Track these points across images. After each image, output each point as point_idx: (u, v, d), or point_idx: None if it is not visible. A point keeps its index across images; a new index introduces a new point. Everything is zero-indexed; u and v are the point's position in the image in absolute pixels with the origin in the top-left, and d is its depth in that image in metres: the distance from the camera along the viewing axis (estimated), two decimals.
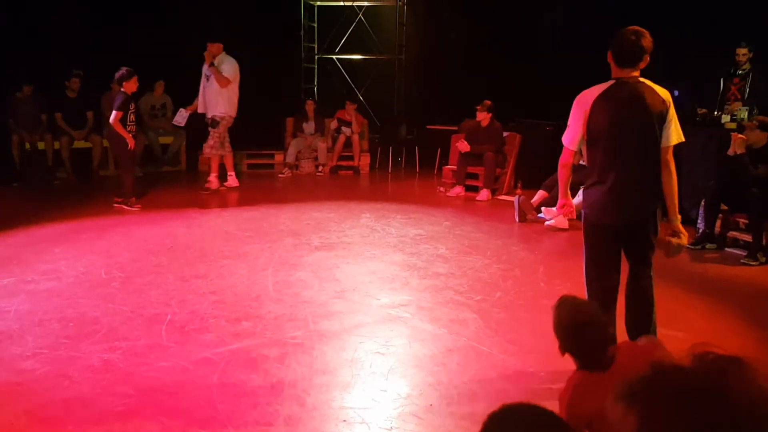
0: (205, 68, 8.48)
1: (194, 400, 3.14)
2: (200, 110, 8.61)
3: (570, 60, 9.65)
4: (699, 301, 4.66)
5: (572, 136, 3.34)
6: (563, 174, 3.52)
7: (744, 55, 7.10)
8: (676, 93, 8.49)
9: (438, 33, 11.46)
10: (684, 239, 3.45)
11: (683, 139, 3.30)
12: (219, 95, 8.37)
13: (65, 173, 9.27)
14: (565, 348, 2.24)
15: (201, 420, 2.98)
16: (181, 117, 8.81)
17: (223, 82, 8.29)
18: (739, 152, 5.81)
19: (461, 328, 4.07)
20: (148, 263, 5.35)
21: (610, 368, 2.14)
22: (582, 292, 4.80)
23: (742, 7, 8.06)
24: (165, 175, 9.86)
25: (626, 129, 3.18)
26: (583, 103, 3.25)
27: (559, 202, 3.73)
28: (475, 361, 3.60)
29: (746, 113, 6.83)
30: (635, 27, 3.18)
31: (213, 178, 8.63)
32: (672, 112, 3.21)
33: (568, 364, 3.54)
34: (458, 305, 4.47)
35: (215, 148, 8.51)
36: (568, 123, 3.33)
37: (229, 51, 8.69)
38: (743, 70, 7.16)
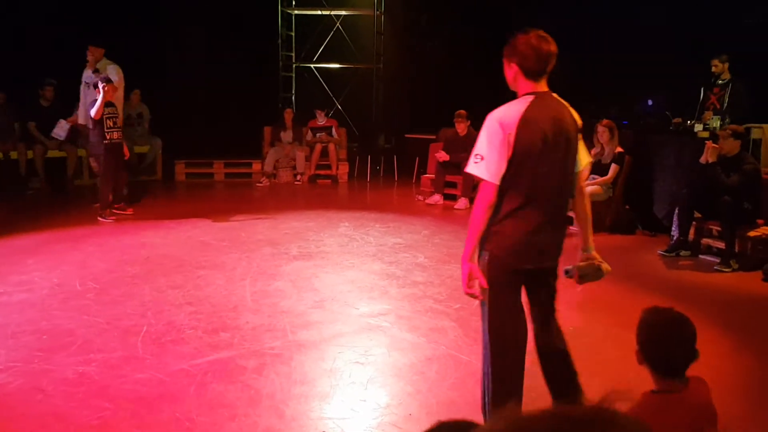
0: (86, 75, 7.79)
1: (171, 412, 3.10)
2: (81, 121, 7.99)
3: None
4: (674, 308, 4.72)
5: (497, 168, 2.57)
6: (484, 219, 2.63)
7: (716, 66, 7.24)
8: (650, 102, 8.69)
9: (416, 42, 11.54)
10: (606, 265, 3.01)
11: (590, 159, 2.98)
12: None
13: (39, 183, 9.14)
14: (647, 356, 2.03)
15: None
16: (61, 129, 8.33)
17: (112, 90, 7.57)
18: (711, 160, 5.92)
19: (440, 336, 4.08)
20: (123, 274, 5.29)
21: (684, 392, 1.98)
22: (560, 299, 4.86)
23: (721, 17, 8.23)
24: (141, 185, 9.76)
25: (556, 153, 2.63)
26: (505, 125, 2.57)
27: (465, 269, 2.80)
28: (454, 370, 3.61)
29: (718, 122, 6.96)
30: (539, 31, 2.72)
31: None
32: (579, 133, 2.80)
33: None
34: (437, 314, 4.49)
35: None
36: (483, 153, 2.59)
37: (209, 59, 8.61)
38: (723, 80, 7.29)
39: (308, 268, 5.54)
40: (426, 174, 9.58)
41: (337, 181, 10.52)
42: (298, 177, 10.39)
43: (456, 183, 8.89)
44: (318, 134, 10.66)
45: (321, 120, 10.66)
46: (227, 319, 4.31)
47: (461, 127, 8.84)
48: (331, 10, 11.64)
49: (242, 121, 10.78)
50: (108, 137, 7.28)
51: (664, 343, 1.94)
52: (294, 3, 11.90)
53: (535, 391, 3.03)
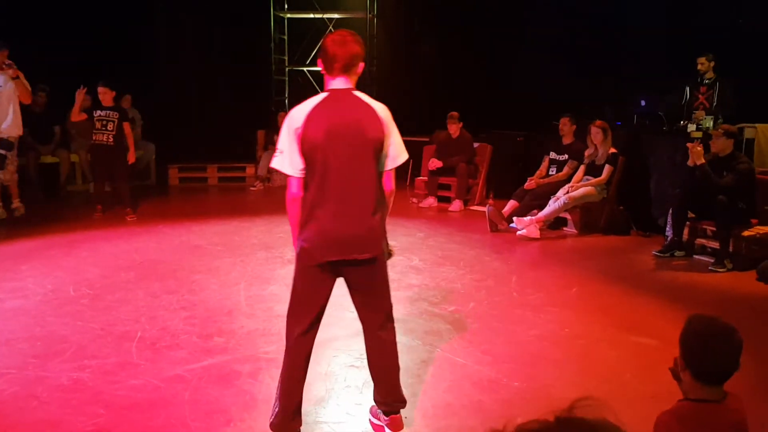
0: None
1: (166, 418, 3.09)
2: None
3: (540, 71, 9.82)
4: (669, 309, 4.74)
5: (292, 161, 2.67)
6: (291, 212, 2.76)
7: (703, 64, 7.27)
8: (643, 103, 8.71)
9: (408, 45, 11.56)
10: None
11: (406, 157, 2.83)
12: (14, 111, 7.16)
13: (32, 189, 9.09)
14: (693, 364, 1.95)
15: None
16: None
17: (28, 95, 7.29)
18: (698, 163, 5.93)
19: (435, 339, 4.07)
20: (117, 280, 5.27)
21: (722, 403, 1.94)
22: (556, 301, 4.88)
23: (706, 17, 8.28)
24: (134, 190, 9.71)
25: (345, 151, 2.63)
26: (294, 120, 2.65)
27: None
28: (450, 373, 3.60)
29: (711, 122, 6.99)
30: (343, 30, 2.80)
31: (19, 203, 7.77)
32: (392, 131, 2.72)
33: (544, 374, 3.58)
34: (432, 316, 4.48)
35: (15, 172, 7.57)
36: (282, 148, 2.69)
37: (201, 64, 8.59)
38: (708, 79, 7.33)
39: None
40: (420, 177, 9.59)
41: None
42: None
43: (450, 185, 8.90)
44: None
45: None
46: (222, 324, 4.30)
47: (453, 129, 8.85)
48: (323, 14, 11.64)
49: (236, 125, 10.77)
50: (93, 138, 7.59)
51: (714, 353, 1.93)
52: (286, 6, 11.90)
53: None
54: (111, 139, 7.56)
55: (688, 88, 7.51)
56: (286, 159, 2.69)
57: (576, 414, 1.00)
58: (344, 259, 2.71)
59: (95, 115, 7.56)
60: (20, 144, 9.07)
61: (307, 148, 2.63)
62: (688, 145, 6.10)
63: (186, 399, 3.27)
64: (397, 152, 2.77)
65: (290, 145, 2.67)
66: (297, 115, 2.67)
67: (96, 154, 7.74)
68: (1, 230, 6.96)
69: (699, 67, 7.30)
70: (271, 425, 2.85)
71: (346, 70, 2.71)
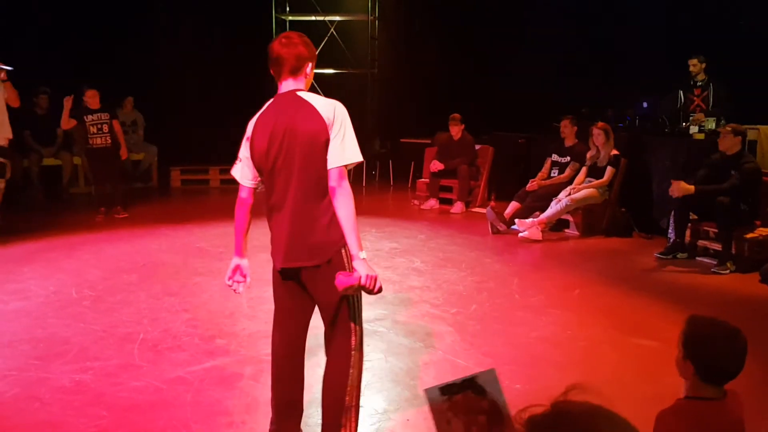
0: None
1: (168, 420, 3.09)
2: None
3: (542, 72, 9.82)
4: (671, 311, 4.73)
5: (242, 171, 2.71)
6: (237, 215, 2.79)
7: (695, 65, 7.26)
8: (645, 105, 8.71)
9: (410, 46, 11.57)
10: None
11: (360, 159, 2.60)
12: (3, 114, 6.79)
13: (34, 191, 9.12)
14: (700, 367, 1.94)
15: None
16: None
17: (16, 98, 6.91)
18: (690, 193, 5.91)
19: (437, 341, 4.07)
20: (119, 281, 5.28)
21: (723, 401, 1.95)
22: (557, 303, 4.87)
23: (696, 19, 8.28)
24: (136, 192, 9.74)
25: (289, 153, 2.55)
26: (247, 129, 2.67)
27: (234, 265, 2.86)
28: (452, 375, 3.59)
29: (714, 123, 6.98)
30: (291, 32, 2.74)
31: None
32: (339, 128, 2.55)
33: (545, 376, 3.58)
34: (434, 318, 4.48)
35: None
36: (239, 156, 2.72)
37: (202, 66, 8.59)
38: (701, 81, 7.33)
39: None
40: (421, 178, 9.59)
41: None
42: None
43: (452, 187, 8.90)
44: None
45: None
46: (224, 326, 4.31)
47: (455, 131, 8.85)
48: (325, 16, 11.66)
49: (237, 127, 10.74)
50: (90, 142, 7.66)
51: (722, 354, 1.94)
52: (288, 9, 11.92)
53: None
54: (109, 141, 7.71)
55: (681, 92, 7.50)
56: (239, 168, 2.73)
57: (571, 399, 1.03)
58: (292, 266, 2.61)
59: (87, 120, 7.63)
60: (23, 146, 9.14)
61: (255, 156, 2.63)
62: (672, 182, 6.06)
63: (188, 401, 3.27)
64: (341, 150, 2.54)
65: (244, 153, 2.69)
66: (249, 124, 2.68)
67: (95, 157, 7.81)
68: (3, 232, 6.96)
69: (691, 68, 7.31)
70: None
71: (293, 72, 2.64)
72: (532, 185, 7.60)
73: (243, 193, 2.75)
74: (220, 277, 5.34)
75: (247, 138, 2.65)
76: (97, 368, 3.63)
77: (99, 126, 7.65)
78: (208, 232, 7.15)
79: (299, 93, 2.63)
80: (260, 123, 2.63)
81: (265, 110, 2.66)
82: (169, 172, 10.50)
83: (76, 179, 9.63)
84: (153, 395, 3.33)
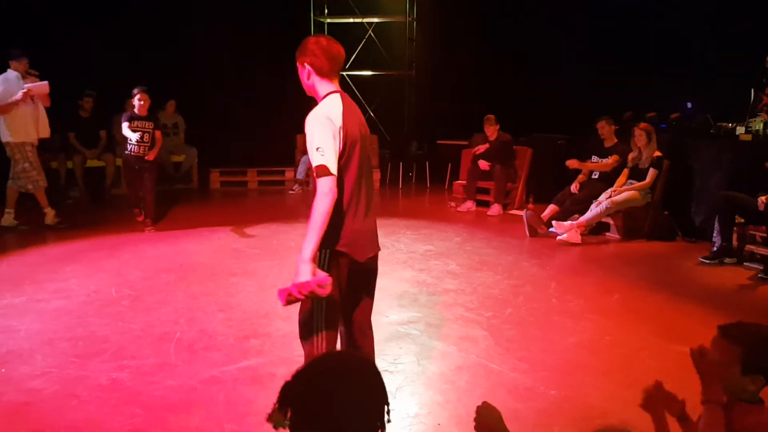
0: (19, 83, 7.07)
1: (201, 419, 3.11)
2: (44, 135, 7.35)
3: (579, 74, 9.65)
4: (714, 317, 4.56)
5: (334, 159, 2.50)
6: (328, 208, 2.49)
7: None
8: (689, 105, 8.48)
9: (448, 48, 11.50)
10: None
11: (313, 161, 2.55)
12: (32, 115, 7.17)
13: (78, 192, 9.36)
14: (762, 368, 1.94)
15: None
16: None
17: (47, 98, 7.23)
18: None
19: (471, 345, 4.02)
20: (158, 281, 5.36)
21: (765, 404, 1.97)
22: (596, 308, 4.76)
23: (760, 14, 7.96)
24: (177, 193, 9.91)
25: (365, 147, 2.67)
26: (333, 119, 2.54)
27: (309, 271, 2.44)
28: (485, 379, 3.55)
29: (761, 124, 6.73)
30: (327, 36, 2.81)
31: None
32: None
33: (582, 383, 3.49)
34: (468, 322, 4.43)
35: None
36: (319, 145, 2.49)
37: (241, 69, 8.63)
38: None
39: None
40: (458, 180, 9.52)
41: None
42: None
43: (489, 189, 8.81)
44: None
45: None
46: (258, 326, 4.33)
47: (490, 131, 8.77)
48: (363, 18, 11.69)
49: (275, 130, 10.88)
50: (128, 149, 7.24)
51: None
52: (326, 11, 11.98)
53: None
54: (147, 151, 7.26)
55: (753, 90, 7.22)
56: (333, 159, 2.52)
57: None
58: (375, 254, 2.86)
59: (131, 125, 7.14)
60: (67, 148, 9.39)
61: (349, 145, 2.58)
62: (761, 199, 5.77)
63: (221, 400, 3.29)
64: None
65: (334, 144, 2.52)
66: (334, 115, 2.56)
67: (131, 165, 7.35)
68: (48, 233, 7.15)
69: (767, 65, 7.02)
70: None
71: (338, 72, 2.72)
72: (575, 186, 7.45)
73: (332, 184, 2.50)
74: (256, 278, 5.42)
75: (341, 128, 2.54)
76: (133, 367, 3.68)
77: (141, 135, 7.18)
78: (245, 233, 7.23)
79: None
80: (348, 114, 2.60)
81: (344, 103, 2.63)
82: (209, 174, 10.66)
83: (119, 181, 9.83)
84: (187, 394, 3.36)
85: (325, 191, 2.47)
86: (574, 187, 7.45)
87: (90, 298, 4.90)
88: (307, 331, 2.67)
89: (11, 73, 7.11)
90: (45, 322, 4.38)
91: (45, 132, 7.35)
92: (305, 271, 2.42)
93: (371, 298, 2.93)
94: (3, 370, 3.60)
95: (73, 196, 9.30)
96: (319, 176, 2.48)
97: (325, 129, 2.51)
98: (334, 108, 2.59)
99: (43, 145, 9.16)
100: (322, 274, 2.45)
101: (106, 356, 3.83)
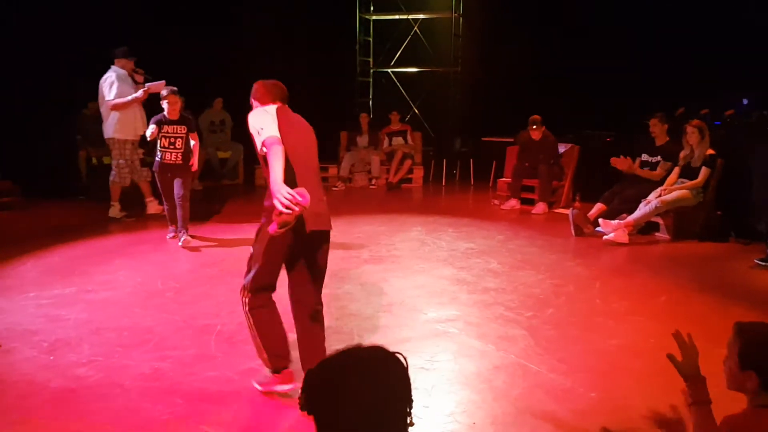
0: (128, 81, 7.55)
1: (237, 410, 3.16)
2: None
3: (629, 69, 9.42)
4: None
5: (275, 128, 3.11)
6: (280, 152, 2.99)
7: None
8: (746, 101, 8.17)
9: (494, 44, 11.37)
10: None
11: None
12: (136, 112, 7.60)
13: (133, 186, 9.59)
14: (759, 368, 1.96)
15: (242, 430, 2.99)
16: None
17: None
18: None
19: (509, 345, 3.96)
20: (201, 275, 5.46)
21: None
22: (641, 309, 4.63)
23: None
24: (223, 189, 10.09)
25: (305, 140, 3.49)
26: (268, 110, 3.27)
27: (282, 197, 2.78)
28: (523, 380, 3.49)
29: None
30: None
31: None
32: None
33: (623, 386, 3.40)
34: (507, 321, 4.37)
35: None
36: (261, 126, 3.11)
37: (287, 66, 8.72)
38: None
39: (378, 271, 5.53)
40: (503, 178, 9.41)
41: (392, 187, 10.48)
42: (373, 181, 10.45)
43: (533, 187, 8.68)
44: (393, 139, 10.69)
45: (395, 125, 10.72)
46: None
47: (536, 134, 8.64)
48: (408, 14, 11.66)
49: (319, 127, 10.93)
50: (159, 156, 6.55)
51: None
52: (372, 8, 11.99)
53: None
54: (179, 158, 6.50)
55: None
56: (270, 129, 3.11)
57: None
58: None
59: (161, 131, 6.42)
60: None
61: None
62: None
63: (257, 392, 3.33)
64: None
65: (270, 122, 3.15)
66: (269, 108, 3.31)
67: (163, 173, 6.55)
68: (99, 225, 7.36)
69: None
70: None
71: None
72: (622, 163, 7.24)
73: (278, 140, 3.07)
74: None
75: (274, 116, 3.21)
76: (175, 357, 3.76)
77: (172, 140, 6.46)
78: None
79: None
80: (282, 110, 3.32)
81: (279, 107, 3.35)
82: (254, 170, 10.80)
83: None
84: (225, 385, 3.42)
85: (273, 143, 3.00)
86: (617, 162, 7.23)
87: (136, 290, 5.03)
88: (249, 265, 3.36)
89: (120, 71, 7.41)
90: (93, 312, 4.52)
91: (144, 129, 7.44)
92: (280, 190, 2.79)
93: (320, 273, 3.33)
94: (52, 357, 3.73)
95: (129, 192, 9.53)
96: (267, 144, 3.01)
97: (263, 115, 3.17)
98: (269, 107, 3.28)
99: (94, 142, 9.51)
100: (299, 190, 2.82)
101: (149, 346, 3.93)
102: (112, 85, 7.40)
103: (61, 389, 3.36)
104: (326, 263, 3.34)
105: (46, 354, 3.78)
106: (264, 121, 3.11)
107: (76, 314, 4.45)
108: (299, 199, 2.74)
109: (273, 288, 3.33)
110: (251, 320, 3.26)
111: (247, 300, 3.27)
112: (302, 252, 3.24)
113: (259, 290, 3.26)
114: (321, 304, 3.35)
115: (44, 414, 3.12)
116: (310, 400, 1.36)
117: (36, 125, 9.22)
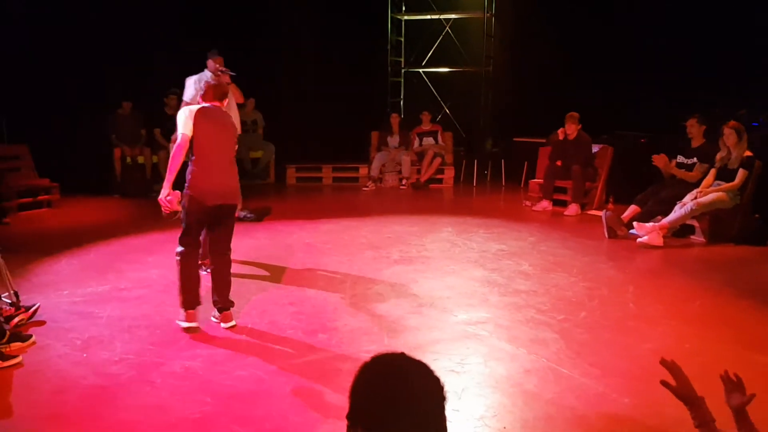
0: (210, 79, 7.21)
1: (267, 410, 3.17)
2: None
3: (664, 69, 9.23)
4: None
5: (185, 128, 4.25)
6: (179, 153, 4.21)
7: None
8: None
9: (526, 44, 11.26)
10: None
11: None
12: (234, 111, 7.01)
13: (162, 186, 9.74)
14: None
15: (271, 431, 3.00)
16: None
17: (240, 95, 7.29)
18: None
19: (541, 348, 3.91)
20: (233, 274, 5.48)
21: None
22: (676, 314, 4.54)
23: None
24: (254, 188, 10.15)
25: (220, 132, 4.40)
26: (191, 109, 4.29)
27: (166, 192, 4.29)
28: (554, 384, 3.44)
29: None
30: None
31: None
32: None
33: (656, 391, 3.32)
34: (539, 324, 4.31)
35: None
36: (179, 123, 4.24)
37: (319, 67, 8.67)
38: None
39: (408, 272, 5.51)
40: (535, 179, 9.31)
41: (419, 186, 10.42)
42: (404, 181, 10.43)
43: (566, 188, 8.57)
44: (424, 139, 10.67)
45: (426, 125, 10.70)
46: (326, 321, 4.37)
47: (571, 129, 8.51)
48: (440, 14, 11.61)
49: (350, 127, 10.99)
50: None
51: None
52: (404, 8, 11.98)
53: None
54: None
55: None
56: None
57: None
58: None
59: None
60: (153, 143, 9.81)
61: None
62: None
63: (287, 392, 3.34)
64: None
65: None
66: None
67: None
68: (133, 224, 7.47)
69: None
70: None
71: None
72: (659, 159, 7.11)
73: (182, 140, 4.22)
74: (326, 273, 5.48)
75: (191, 115, 4.23)
76: (205, 356, 3.80)
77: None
78: (318, 228, 7.32)
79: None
80: (203, 109, 4.32)
81: (203, 107, 4.35)
82: (285, 170, 10.89)
83: None
84: (255, 385, 3.44)
85: (177, 143, 4.18)
86: (657, 160, 7.11)
87: (168, 288, 5.07)
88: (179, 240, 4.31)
89: (205, 73, 7.44)
90: (126, 309, 4.58)
91: (237, 128, 7.34)
92: (163, 191, 4.25)
93: (225, 234, 4.37)
94: (85, 354, 3.80)
95: (158, 190, 9.63)
96: (176, 141, 4.17)
97: (182, 115, 4.23)
98: (194, 106, 4.31)
99: (129, 141, 9.65)
100: (174, 194, 4.23)
101: (180, 345, 3.97)
102: (188, 87, 7.40)
103: (93, 386, 3.41)
104: (233, 226, 4.42)
105: (79, 351, 3.85)
106: (179, 120, 4.20)
107: (109, 312, 4.53)
108: (166, 203, 4.24)
109: (193, 245, 4.27)
110: (178, 267, 4.23)
111: (176, 251, 4.26)
112: (212, 219, 4.26)
113: (182, 245, 4.23)
114: (229, 251, 4.38)
115: (76, 410, 3.17)
116: (356, 412, 1.33)
117: (72, 125, 9.41)
